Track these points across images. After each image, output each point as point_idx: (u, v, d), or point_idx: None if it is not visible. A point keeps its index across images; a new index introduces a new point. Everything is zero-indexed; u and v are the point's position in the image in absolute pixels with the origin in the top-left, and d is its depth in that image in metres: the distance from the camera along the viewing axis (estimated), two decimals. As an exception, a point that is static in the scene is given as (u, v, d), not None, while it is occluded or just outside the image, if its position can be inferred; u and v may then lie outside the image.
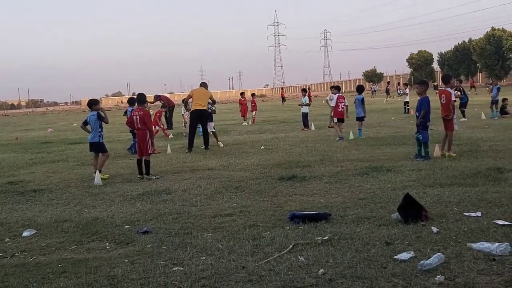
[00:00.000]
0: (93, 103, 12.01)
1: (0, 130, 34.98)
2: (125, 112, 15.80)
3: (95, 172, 10.75)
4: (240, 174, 10.51)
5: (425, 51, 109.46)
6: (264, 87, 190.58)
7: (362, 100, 16.54)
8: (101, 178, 10.55)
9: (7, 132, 32.12)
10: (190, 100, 16.65)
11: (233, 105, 51.97)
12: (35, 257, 5.79)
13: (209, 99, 16.19)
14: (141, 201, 8.48)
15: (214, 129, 16.65)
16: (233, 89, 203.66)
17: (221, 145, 15.97)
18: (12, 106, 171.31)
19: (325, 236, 5.69)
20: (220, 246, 5.69)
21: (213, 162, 12.58)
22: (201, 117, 15.73)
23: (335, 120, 16.67)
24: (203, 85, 16.62)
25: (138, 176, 10.81)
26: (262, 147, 15.17)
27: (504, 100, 22.19)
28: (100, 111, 11.79)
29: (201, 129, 16.41)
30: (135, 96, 17.78)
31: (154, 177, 10.64)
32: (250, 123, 26.26)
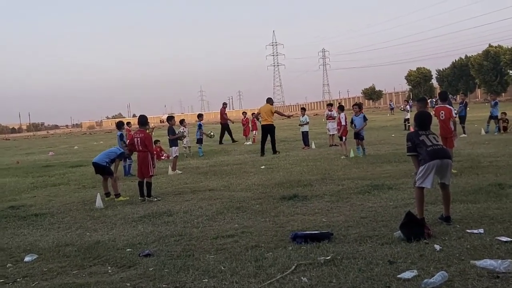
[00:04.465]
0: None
1: (1, 154, 35.01)
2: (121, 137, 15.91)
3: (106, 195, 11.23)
4: (242, 194, 10.50)
5: (423, 68, 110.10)
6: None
7: (364, 117, 16.54)
8: (121, 200, 10.98)
9: (8, 156, 32.13)
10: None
11: (233, 125, 52.23)
12: (37, 282, 5.77)
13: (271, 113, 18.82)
14: (142, 224, 8.46)
15: (177, 154, 16.09)
16: (233, 109, 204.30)
17: (179, 172, 15.43)
18: (13, 130, 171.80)
19: (328, 256, 5.67)
20: (223, 268, 5.66)
21: (214, 183, 12.58)
22: (266, 131, 18.90)
23: (344, 138, 16.71)
24: (268, 100, 19.46)
25: (140, 198, 10.81)
26: (263, 166, 15.17)
27: (503, 113, 22.23)
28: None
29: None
30: (122, 120, 18.04)
31: (156, 199, 10.63)
32: (251, 142, 26.30)
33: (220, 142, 27.20)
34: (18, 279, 5.94)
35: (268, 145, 19.09)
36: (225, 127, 28.00)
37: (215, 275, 5.43)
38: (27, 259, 6.75)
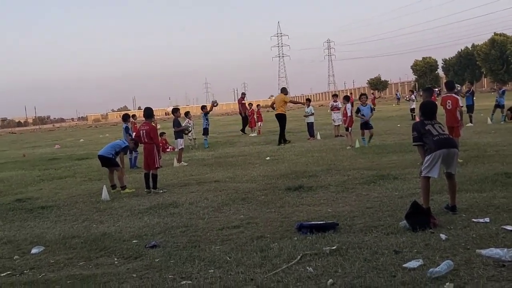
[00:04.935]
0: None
1: (8, 148, 35.19)
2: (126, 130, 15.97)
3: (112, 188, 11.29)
4: (247, 186, 10.51)
5: (429, 57, 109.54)
6: (269, 97, 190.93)
7: (371, 108, 16.49)
8: (127, 192, 11.02)
9: (15, 150, 32.30)
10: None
11: (238, 117, 52.13)
12: (44, 274, 5.81)
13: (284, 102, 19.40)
14: (148, 215, 8.49)
15: (182, 146, 16.18)
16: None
17: (184, 164, 15.49)
18: (19, 124, 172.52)
19: (333, 246, 5.67)
20: (228, 258, 5.68)
21: (219, 174, 12.59)
22: (278, 119, 19.38)
23: (350, 129, 16.68)
24: (282, 90, 20.37)
25: (145, 190, 10.84)
26: (268, 157, 15.17)
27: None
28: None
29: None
30: (128, 113, 18.08)
31: (161, 191, 10.66)
32: (256, 134, 26.29)
33: (243, 132, 27.67)
34: (25, 271, 5.99)
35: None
36: (243, 116, 28.33)
37: (221, 266, 5.45)
38: (34, 251, 6.79)
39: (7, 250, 7.01)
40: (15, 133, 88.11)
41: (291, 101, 21.20)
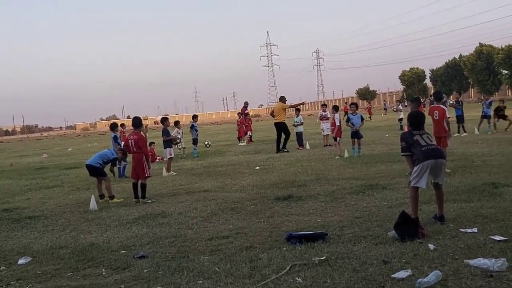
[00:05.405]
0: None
1: (-5, 157, 34.84)
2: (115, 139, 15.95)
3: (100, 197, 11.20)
4: (236, 195, 10.50)
5: (417, 68, 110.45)
6: (259, 107, 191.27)
7: (361, 117, 16.57)
8: (115, 202, 10.95)
9: (2, 159, 32.01)
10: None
11: (228, 126, 52.06)
12: (31, 285, 5.75)
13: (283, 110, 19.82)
14: (137, 225, 8.44)
15: (171, 155, 16.13)
16: (227, 109, 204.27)
17: (173, 173, 15.43)
18: (7, 132, 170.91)
19: (323, 256, 5.67)
20: (217, 269, 5.66)
21: (208, 184, 12.57)
22: (278, 129, 19.82)
23: (338, 139, 16.73)
24: (281, 99, 20.44)
25: (134, 200, 10.78)
26: (257, 167, 15.17)
27: (501, 101, 22.37)
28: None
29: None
30: (116, 122, 18.04)
31: (150, 201, 10.61)
32: (245, 143, 26.31)
33: (250, 140, 27.43)
34: (11, 282, 5.92)
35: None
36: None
37: (210, 276, 5.43)
38: (21, 261, 6.71)
39: (-7, 261, 6.92)
40: (3, 142, 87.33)
41: (291, 106, 21.62)
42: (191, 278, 5.42)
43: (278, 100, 20.51)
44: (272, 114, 21.02)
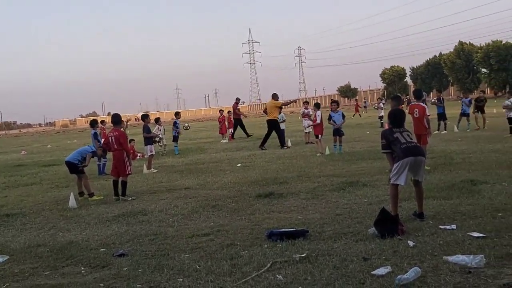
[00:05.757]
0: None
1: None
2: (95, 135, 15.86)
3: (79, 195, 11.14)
4: (217, 193, 10.46)
5: (397, 66, 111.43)
6: (241, 104, 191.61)
7: (343, 115, 16.63)
8: (95, 199, 10.86)
9: (-21, 156, 31.44)
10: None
11: (209, 123, 51.99)
12: (8, 284, 5.65)
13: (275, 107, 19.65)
14: (117, 223, 8.36)
15: (152, 152, 16.11)
16: (209, 106, 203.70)
17: (154, 170, 15.35)
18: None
19: (303, 253, 5.68)
20: (198, 267, 5.63)
21: (189, 181, 12.51)
22: (269, 126, 19.84)
23: (320, 136, 16.76)
24: (273, 96, 20.21)
25: (114, 197, 10.68)
26: (239, 164, 15.15)
27: (482, 91, 22.72)
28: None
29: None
30: (96, 118, 17.91)
31: (130, 198, 10.52)
32: (227, 140, 26.25)
33: (232, 137, 27.12)
34: (-13, 281, 5.81)
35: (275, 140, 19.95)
36: (237, 122, 27.91)
37: (190, 274, 5.40)
38: (-3, 260, 6.60)
39: (-31, 260, 6.79)
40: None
41: (283, 104, 21.65)
42: (171, 276, 5.39)
43: (271, 97, 20.37)
44: (265, 111, 20.99)
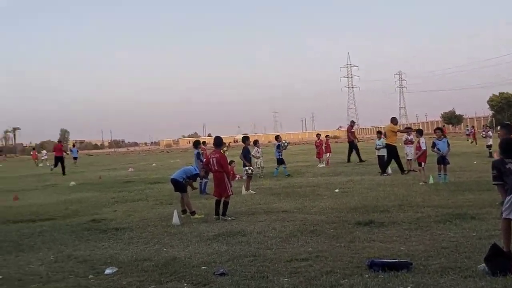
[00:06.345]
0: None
1: (86, 170, 36.81)
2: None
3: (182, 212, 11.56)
4: (315, 218, 10.39)
5: (506, 92, 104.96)
6: (338, 128, 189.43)
7: (447, 143, 15.94)
8: (196, 217, 11.19)
9: (91, 172, 33.73)
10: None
11: (307, 147, 52.05)
12: (117, 294, 5.95)
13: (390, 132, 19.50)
14: (217, 242, 8.56)
15: (250, 171, 16.21)
16: (306, 130, 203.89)
17: (252, 192, 15.59)
18: (96, 146, 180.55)
19: (407, 287, 5.46)
20: (297, 292, 5.59)
21: (287, 204, 12.54)
22: (387, 151, 19.43)
23: (423, 164, 16.15)
24: (392, 120, 20.27)
25: (214, 216, 10.97)
26: (337, 190, 14.96)
27: None
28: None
29: None
30: (198, 139, 18.55)
31: (230, 218, 10.75)
32: (324, 165, 26.07)
33: (348, 161, 27.02)
34: (99, 291, 6.16)
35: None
36: (352, 145, 27.54)
37: (290, 299, 5.37)
38: (107, 271, 7.00)
39: (82, 269, 7.26)
40: (92, 155, 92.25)
41: (399, 131, 21.16)
42: (271, 299, 5.40)
43: (390, 121, 20.23)
44: (384, 135, 20.74)
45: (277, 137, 23.27)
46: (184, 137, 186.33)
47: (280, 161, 21.80)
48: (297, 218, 10.41)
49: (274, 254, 7.46)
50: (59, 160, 32.09)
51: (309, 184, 17.19)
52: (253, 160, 19.04)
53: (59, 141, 39.78)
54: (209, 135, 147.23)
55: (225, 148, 16.87)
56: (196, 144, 17.18)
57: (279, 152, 21.88)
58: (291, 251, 7.64)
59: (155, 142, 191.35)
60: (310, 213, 11.06)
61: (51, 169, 33.58)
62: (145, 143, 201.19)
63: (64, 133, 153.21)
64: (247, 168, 16.22)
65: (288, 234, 8.88)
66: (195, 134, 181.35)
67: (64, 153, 34.85)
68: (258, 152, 20.69)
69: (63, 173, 30.56)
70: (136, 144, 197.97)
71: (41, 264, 7.70)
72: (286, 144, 23.51)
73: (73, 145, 56.22)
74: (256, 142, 21.10)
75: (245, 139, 17.36)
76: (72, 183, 22.99)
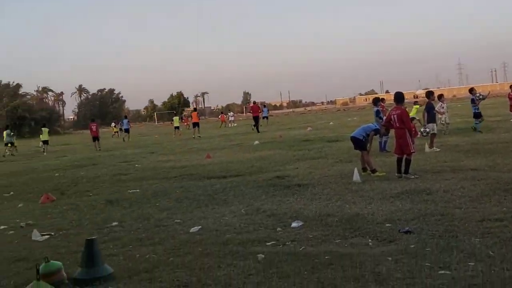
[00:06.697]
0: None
1: (267, 129, 38.61)
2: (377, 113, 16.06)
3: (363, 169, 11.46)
4: (510, 176, 9.55)
5: None
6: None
7: None
8: (378, 175, 11.05)
9: (272, 131, 35.25)
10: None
11: (498, 100, 47.64)
12: (304, 247, 6.22)
13: None
14: (400, 200, 8.40)
15: (434, 131, 15.47)
16: (496, 82, 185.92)
17: (436, 149, 14.77)
18: (275, 107, 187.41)
19: None
20: (491, 252, 5.27)
21: (476, 162, 11.72)
22: None
23: None
24: None
25: (396, 174, 10.72)
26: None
27: None
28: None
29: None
30: (378, 96, 18.01)
31: (413, 176, 10.42)
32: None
33: None
34: (287, 243, 6.50)
35: None
36: None
37: (482, 259, 5.09)
38: (293, 225, 7.34)
39: (271, 222, 7.71)
40: (272, 115, 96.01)
41: None
42: (461, 259, 5.16)
43: None
44: None
45: (471, 90, 21.61)
46: (361, 94, 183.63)
47: (477, 115, 20.31)
48: (489, 176, 9.69)
49: (464, 214, 7.08)
50: (256, 120, 36.24)
51: (500, 140, 15.81)
52: (437, 116, 18.02)
53: (254, 102, 45.79)
54: (387, 91, 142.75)
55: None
56: (376, 101, 16.85)
57: (474, 106, 20.38)
58: (483, 211, 7.17)
59: (331, 101, 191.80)
60: (503, 171, 10.21)
61: (252, 129, 36.88)
62: (322, 103, 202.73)
63: (246, 96, 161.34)
64: (422, 130, 15.61)
65: (479, 193, 8.33)
66: (372, 92, 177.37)
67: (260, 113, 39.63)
68: (443, 108, 19.52)
69: (258, 131, 34.43)
70: (313, 103, 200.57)
71: (234, 216, 8.36)
72: (481, 96, 21.83)
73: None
74: (440, 97, 19.91)
75: (430, 94, 16.47)
76: (256, 142, 24.33)
